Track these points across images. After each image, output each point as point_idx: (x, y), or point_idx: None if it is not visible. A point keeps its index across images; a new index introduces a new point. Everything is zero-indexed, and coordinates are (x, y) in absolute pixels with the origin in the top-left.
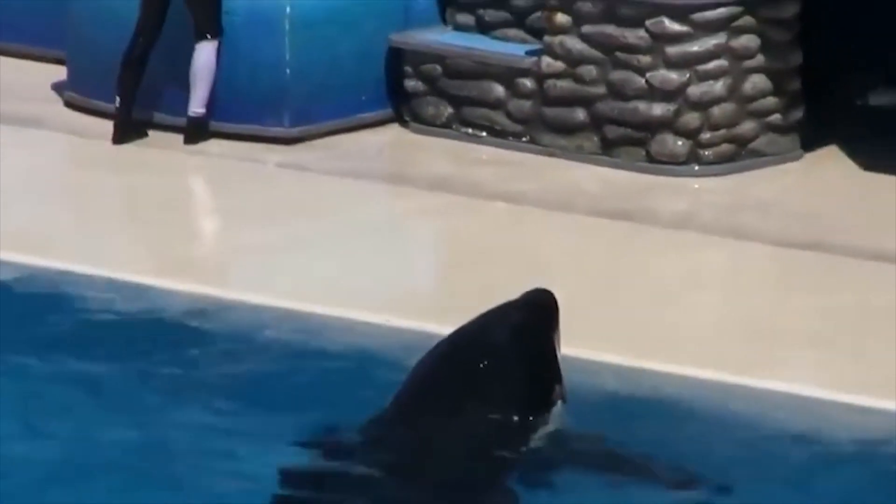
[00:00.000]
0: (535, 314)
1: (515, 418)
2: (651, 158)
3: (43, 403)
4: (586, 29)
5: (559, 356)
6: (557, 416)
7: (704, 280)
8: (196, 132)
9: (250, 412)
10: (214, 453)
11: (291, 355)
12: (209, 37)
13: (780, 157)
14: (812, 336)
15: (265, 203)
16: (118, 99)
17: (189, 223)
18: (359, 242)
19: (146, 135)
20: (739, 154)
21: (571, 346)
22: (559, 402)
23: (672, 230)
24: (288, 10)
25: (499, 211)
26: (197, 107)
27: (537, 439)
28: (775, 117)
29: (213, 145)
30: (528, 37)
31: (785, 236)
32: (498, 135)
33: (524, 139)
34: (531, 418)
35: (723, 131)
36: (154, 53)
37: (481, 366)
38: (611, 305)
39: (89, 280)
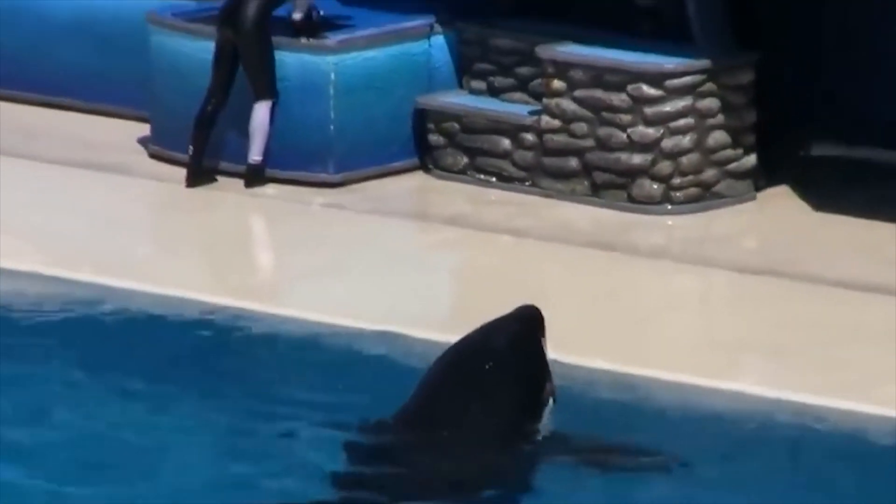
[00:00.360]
0: (527, 324)
1: (515, 414)
2: (632, 200)
3: (127, 404)
4: (578, 93)
5: (548, 360)
6: (549, 413)
7: (677, 301)
8: (255, 177)
9: (286, 411)
10: (247, 453)
11: (329, 361)
12: (265, 98)
13: (738, 198)
14: (768, 346)
15: (312, 236)
16: (191, 149)
17: (249, 253)
18: (389, 269)
19: (214, 180)
20: (704, 196)
21: (565, 354)
22: (550, 400)
23: (650, 259)
24: (332, 77)
25: (505, 243)
26: (255, 156)
27: (534, 435)
28: (733, 165)
29: (269, 188)
30: (530, 99)
31: (743, 264)
32: (505, 180)
33: (527, 183)
34: (528, 414)
35: (690, 177)
36: (220, 112)
37: (485, 368)
38: (599, 321)
39: (165, 299)
